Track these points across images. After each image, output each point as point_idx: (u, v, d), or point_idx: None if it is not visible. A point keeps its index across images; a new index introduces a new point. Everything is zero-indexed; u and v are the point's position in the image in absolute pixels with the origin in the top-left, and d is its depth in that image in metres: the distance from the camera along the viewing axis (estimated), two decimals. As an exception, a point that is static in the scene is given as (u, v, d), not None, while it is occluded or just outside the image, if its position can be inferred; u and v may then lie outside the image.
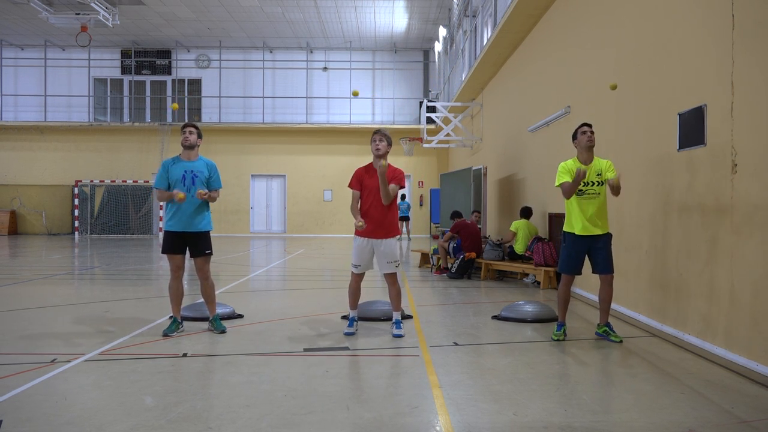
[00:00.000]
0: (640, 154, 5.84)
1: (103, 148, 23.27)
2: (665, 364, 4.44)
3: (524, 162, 10.82)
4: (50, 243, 18.65)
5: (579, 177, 4.95)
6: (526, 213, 9.59)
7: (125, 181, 22.72)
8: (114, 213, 22.63)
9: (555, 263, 8.45)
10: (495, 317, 6.21)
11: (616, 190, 4.95)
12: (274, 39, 23.04)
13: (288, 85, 23.94)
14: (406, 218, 20.85)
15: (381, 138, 5.33)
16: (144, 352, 4.67)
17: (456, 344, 5.04)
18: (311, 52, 24.03)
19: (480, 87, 15.28)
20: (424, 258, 11.91)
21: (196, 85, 24.12)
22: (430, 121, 19.18)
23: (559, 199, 5.38)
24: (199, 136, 5.46)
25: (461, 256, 9.76)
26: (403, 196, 21.00)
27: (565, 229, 5.27)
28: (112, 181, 22.70)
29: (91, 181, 22.77)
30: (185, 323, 5.61)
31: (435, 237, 20.74)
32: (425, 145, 17.88)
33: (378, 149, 5.31)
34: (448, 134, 17.09)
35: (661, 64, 5.45)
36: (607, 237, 5.17)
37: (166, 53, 23.91)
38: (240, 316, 6.17)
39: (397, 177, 5.33)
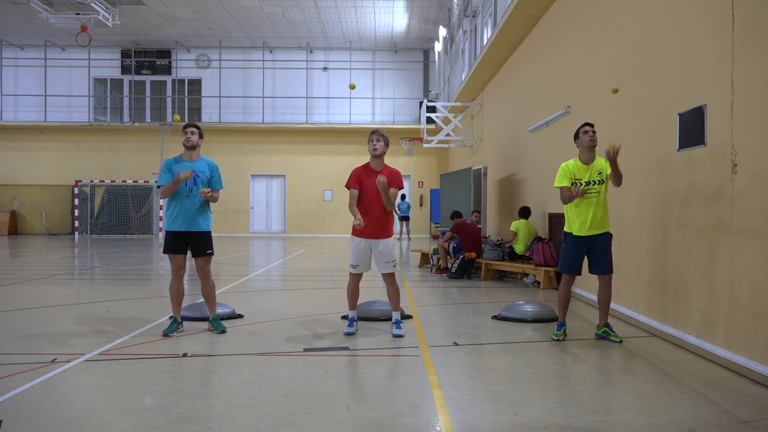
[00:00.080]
0: (640, 154, 5.84)
1: (103, 148, 23.28)
2: (665, 364, 4.44)
3: (524, 162, 10.83)
4: (50, 243, 18.66)
5: (575, 195, 4.98)
6: (525, 213, 9.59)
7: (125, 181, 22.72)
8: (114, 213, 22.63)
9: (555, 263, 8.45)
10: (495, 317, 6.21)
11: (617, 179, 4.90)
12: (274, 39, 23.04)
13: (288, 85, 23.95)
14: (406, 218, 20.85)
15: (378, 138, 5.34)
16: (144, 352, 4.67)
17: (456, 344, 5.04)
18: (311, 52, 24.03)
19: (480, 87, 15.28)
20: (424, 258, 11.90)
21: (196, 85, 24.12)
22: (430, 121, 19.18)
23: (559, 199, 5.38)
24: (201, 137, 5.46)
25: (461, 256, 9.76)
26: (403, 196, 20.99)
27: (565, 229, 5.28)
28: (112, 181, 22.70)
29: (91, 181, 22.77)
30: (185, 323, 5.61)
31: (435, 237, 20.73)
32: (425, 145, 17.88)
33: (375, 149, 5.32)
34: (448, 134, 17.09)
35: (661, 64, 5.45)
36: (607, 236, 5.17)
37: (166, 53, 23.91)
38: (240, 316, 6.17)
39: (396, 180, 5.33)
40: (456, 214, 10.79)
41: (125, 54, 23.91)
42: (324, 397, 3.59)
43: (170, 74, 23.94)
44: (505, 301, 7.25)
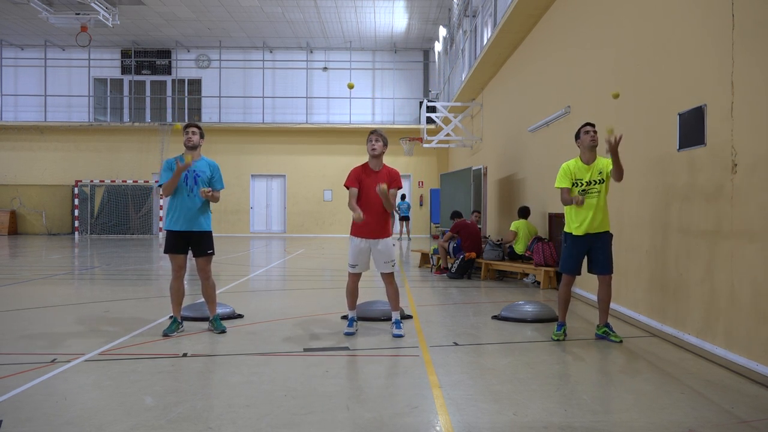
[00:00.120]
0: (640, 154, 5.84)
1: (103, 148, 23.28)
2: (665, 364, 4.44)
3: (524, 162, 10.82)
4: (50, 243, 18.65)
5: (575, 203, 5.00)
6: (525, 213, 9.59)
7: (125, 181, 22.73)
8: (114, 213, 22.63)
9: (555, 263, 8.45)
10: (495, 317, 6.21)
11: (618, 172, 4.88)
12: (274, 39, 23.04)
13: (288, 85, 23.95)
14: (406, 218, 20.85)
15: (377, 138, 5.35)
16: (144, 352, 4.67)
17: (456, 344, 5.04)
18: (311, 52, 24.03)
19: (480, 87, 15.28)
20: (424, 258, 11.90)
21: (196, 85, 24.12)
22: (430, 121, 19.18)
23: (559, 200, 5.38)
24: (202, 137, 5.47)
25: (461, 256, 9.76)
26: (403, 196, 20.99)
27: (565, 229, 5.28)
28: (112, 181, 22.70)
29: (91, 181, 22.77)
30: (185, 323, 5.61)
31: (435, 237, 20.73)
32: (425, 145, 17.88)
33: (374, 149, 5.32)
34: (448, 134, 17.09)
35: (661, 64, 5.45)
36: (607, 236, 5.17)
37: (166, 53, 23.91)
38: (240, 316, 6.17)
39: (395, 180, 5.34)
40: (456, 214, 10.79)
41: (125, 54, 23.91)
42: (324, 397, 3.59)
43: (170, 74, 23.94)
44: (505, 301, 7.25)
